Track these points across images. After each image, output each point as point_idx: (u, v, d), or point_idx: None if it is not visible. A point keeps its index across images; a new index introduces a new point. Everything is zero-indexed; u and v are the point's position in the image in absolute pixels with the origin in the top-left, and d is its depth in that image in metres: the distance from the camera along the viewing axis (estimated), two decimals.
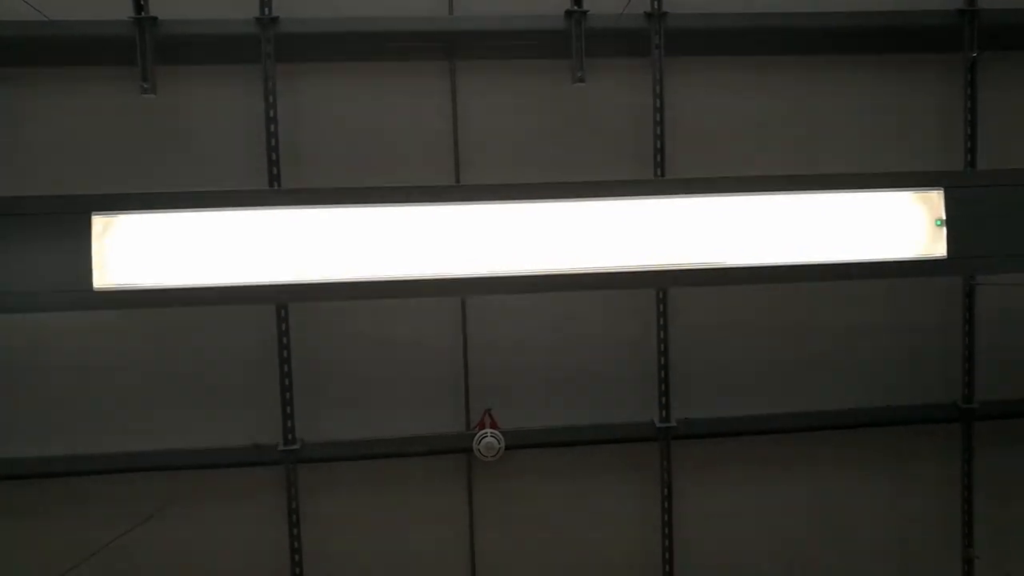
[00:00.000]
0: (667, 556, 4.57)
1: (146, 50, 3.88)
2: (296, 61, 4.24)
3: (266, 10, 4.08)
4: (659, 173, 4.37)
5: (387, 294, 3.23)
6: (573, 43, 4.09)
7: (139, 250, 3.11)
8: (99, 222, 3.07)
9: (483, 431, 4.32)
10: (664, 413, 4.49)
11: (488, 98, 4.42)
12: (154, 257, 3.11)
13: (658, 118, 4.34)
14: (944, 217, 3.20)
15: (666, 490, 4.53)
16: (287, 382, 4.28)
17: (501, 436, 4.30)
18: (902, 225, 3.23)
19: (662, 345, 4.47)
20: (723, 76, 4.51)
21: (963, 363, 4.62)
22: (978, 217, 3.15)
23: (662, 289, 4.43)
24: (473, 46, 4.33)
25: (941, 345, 4.70)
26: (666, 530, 4.56)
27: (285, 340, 4.26)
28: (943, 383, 4.70)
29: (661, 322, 4.46)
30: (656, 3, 4.27)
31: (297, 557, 4.36)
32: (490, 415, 4.39)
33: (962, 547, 4.71)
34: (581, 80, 4.09)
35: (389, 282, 3.14)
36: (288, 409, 4.28)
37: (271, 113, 4.15)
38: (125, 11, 3.86)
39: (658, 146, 4.35)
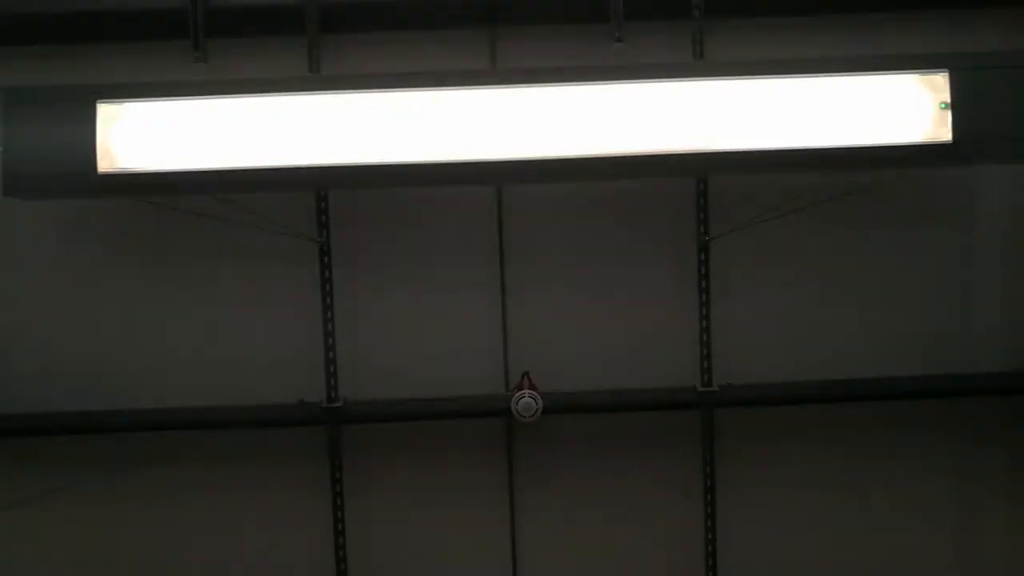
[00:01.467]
0: (709, 523, 4.50)
1: (198, 23, 4.09)
2: (341, 31, 4.40)
3: None
4: None
5: (423, 178, 3.19)
6: (612, 3, 4.12)
7: (147, 137, 3.15)
8: (105, 109, 3.11)
9: (521, 392, 4.34)
10: (706, 378, 4.45)
11: (527, 63, 4.48)
12: (163, 146, 3.14)
13: None
14: (949, 100, 3.08)
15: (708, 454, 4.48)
16: (330, 341, 4.41)
17: (539, 397, 4.32)
18: (908, 109, 3.14)
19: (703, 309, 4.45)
20: (763, 37, 4.46)
21: None
22: (985, 100, 3.02)
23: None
24: (513, 12, 4.40)
25: None
26: (708, 496, 4.49)
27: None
28: None
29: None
30: None
31: (340, 514, 4.47)
32: (528, 378, 4.41)
33: None
34: (619, 40, 4.11)
35: (425, 165, 3.09)
36: (332, 368, 4.41)
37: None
38: None
39: None
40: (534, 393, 4.33)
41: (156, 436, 4.45)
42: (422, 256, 4.50)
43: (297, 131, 3.24)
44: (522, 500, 4.62)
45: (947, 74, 3.20)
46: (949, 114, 3.03)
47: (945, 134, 3.05)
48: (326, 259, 4.39)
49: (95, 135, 3.05)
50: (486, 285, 4.54)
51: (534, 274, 4.53)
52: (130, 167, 3.12)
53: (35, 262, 4.43)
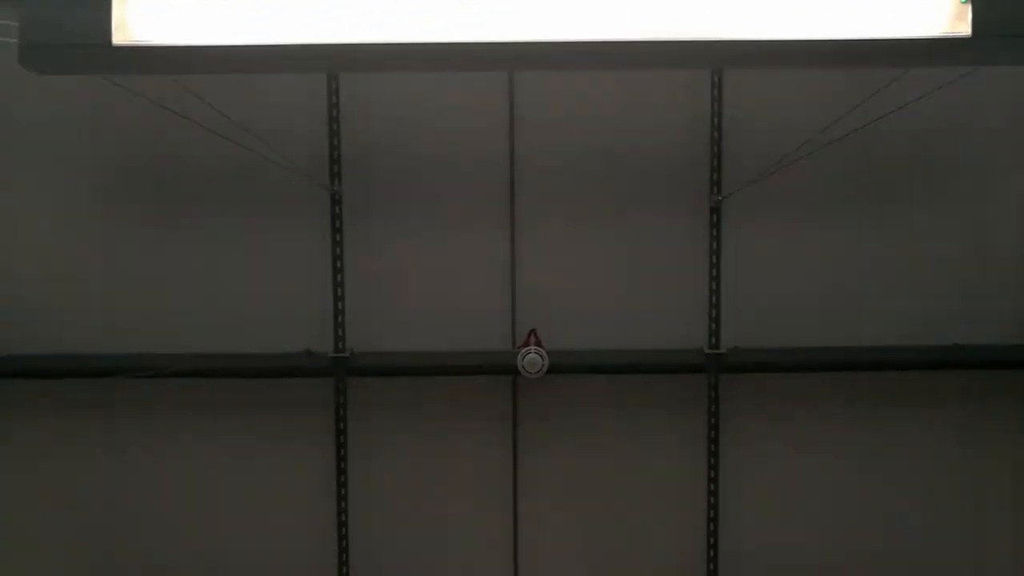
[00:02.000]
0: (712, 486, 4.49)
1: None
2: None
3: None
4: None
5: (431, 61, 3.15)
6: None
7: (163, 12, 3.07)
8: None
9: (527, 348, 4.34)
10: (714, 340, 4.43)
11: None
12: (178, 21, 3.08)
13: None
14: None
15: (713, 419, 4.46)
16: (339, 292, 4.42)
17: (544, 353, 4.31)
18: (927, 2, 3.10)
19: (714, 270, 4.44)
20: None
21: None
22: None
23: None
24: None
25: None
26: (712, 460, 4.48)
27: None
28: None
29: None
30: None
31: (343, 464, 4.48)
32: (535, 335, 4.40)
33: None
34: None
35: (437, 47, 3.05)
36: (340, 318, 4.42)
37: None
38: None
39: None
40: (540, 349, 4.33)
41: (161, 383, 4.47)
42: (433, 208, 4.50)
43: (310, 8, 3.18)
44: (525, 458, 4.61)
45: None
46: (969, 8, 3.01)
47: (964, 29, 3.02)
48: (337, 209, 4.40)
49: (111, 7, 3.04)
50: (496, 243, 4.53)
51: (544, 232, 4.52)
52: (144, 40, 3.10)
53: (42, 209, 4.47)
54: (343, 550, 4.48)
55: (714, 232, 4.42)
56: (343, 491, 4.49)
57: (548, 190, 4.49)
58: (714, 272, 4.42)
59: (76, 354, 4.42)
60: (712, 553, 4.50)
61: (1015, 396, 4.52)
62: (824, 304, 4.49)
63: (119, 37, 3.08)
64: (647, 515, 4.61)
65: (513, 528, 4.61)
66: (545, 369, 4.31)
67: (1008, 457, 4.55)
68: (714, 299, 4.43)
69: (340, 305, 4.42)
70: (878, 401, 4.54)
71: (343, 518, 4.49)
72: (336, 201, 4.40)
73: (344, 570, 4.48)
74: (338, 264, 4.41)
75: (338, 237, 4.41)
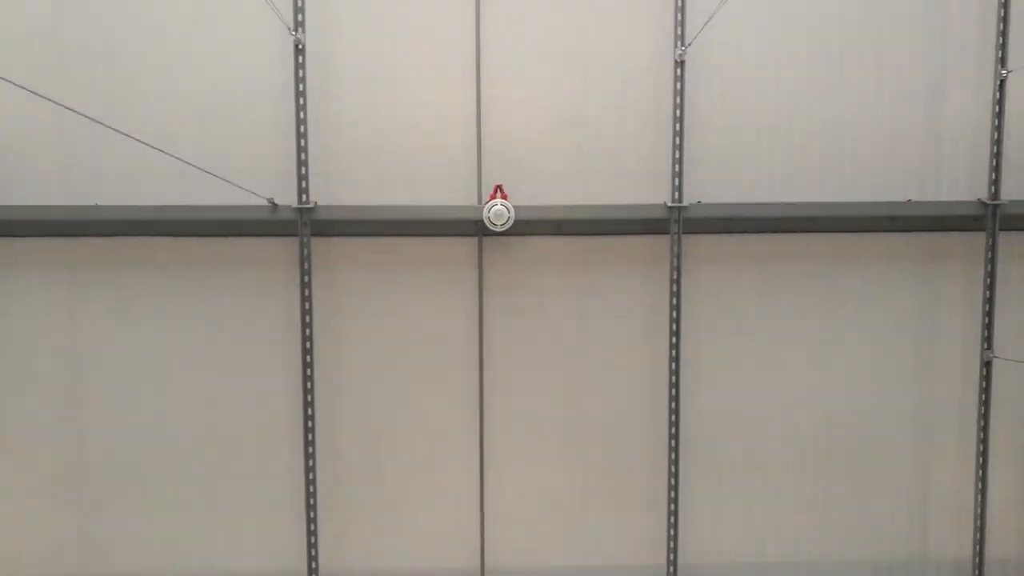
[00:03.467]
0: (674, 340, 4.60)
1: None
2: None
3: None
4: None
5: None
6: None
7: None
8: None
9: (493, 201, 4.35)
10: (677, 195, 4.50)
11: None
12: None
13: None
14: None
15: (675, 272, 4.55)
16: (303, 143, 4.36)
17: (510, 206, 4.33)
18: None
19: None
20: None
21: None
22: None
23: None
24: None
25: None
26: (674, 313, 4.57)
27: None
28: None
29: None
30: None
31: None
32: (500, 190, 4.41)
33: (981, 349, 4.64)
34: None
35: None
36: (303, 170, 4.37)
37: None
38: None
39: None
40: (506, 202, 4.35)
41: (122, 240, 4.41)
42: (397, 47, 4.47)
43: None
44: (491, 318, 4.67)
45: None
46: None
47: None
48: (301, 59, 4.32)
49: None
50: (460, 84, 4.50)
51: (508, 76, 4.51)
52: None
53: None
54: (308, 404, 4.50)
55: (678, 86, 4.46)
56: (308, 344, 4.49)
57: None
58: (677, 127, 4.46)
59: (32, 206, 4.32)
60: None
61: (963, 253, 4.71)
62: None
63: None
64: (609, 367, 4.72)
65: (479, 383, 4.68)
66: (511, 222, 4.33)
67: (959, 303, 4.74)
68: (677, 153, 4.48)
69: (303, 156, 4.37)
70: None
71: (308, 372, 4.49)
72: (300, 51, 4.33)
73: (310, 424, 4.51)
74: (301, 115, 4.35)
75: (301, 88, 4.35)
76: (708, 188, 4.54)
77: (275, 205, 4.34)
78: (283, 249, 4.54)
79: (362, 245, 4.59)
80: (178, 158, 3.87)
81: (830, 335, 4.71)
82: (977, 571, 4.70)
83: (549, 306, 4.67)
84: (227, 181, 4.11)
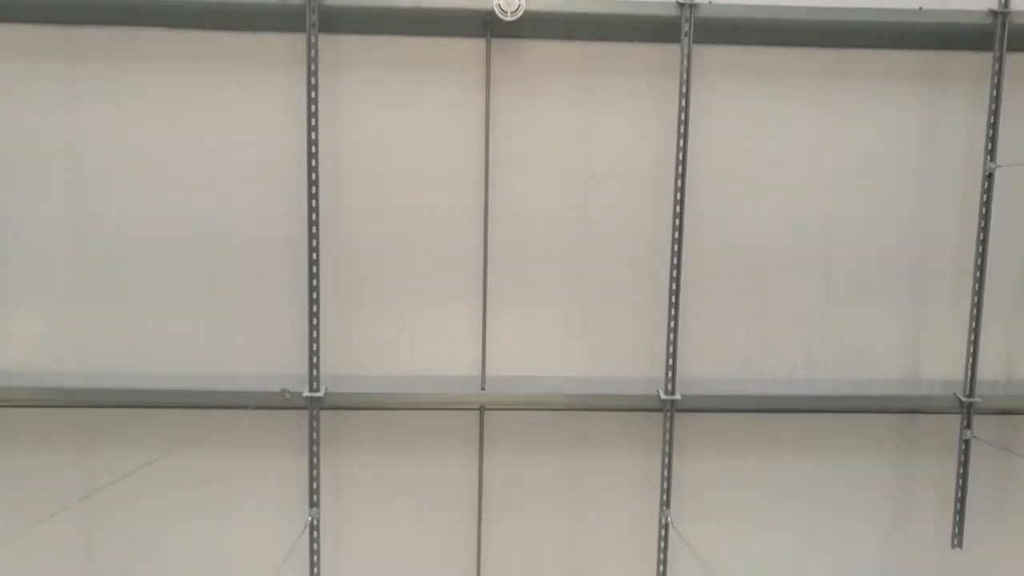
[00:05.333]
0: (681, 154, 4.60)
1: None
2: None
3: None
4: None
5: None
6: None
7: None
8: None
9: None
10: None
11: None
12: None
13: None
14: None
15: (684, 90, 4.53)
16: None
17: None
18: None
19: None
20: None
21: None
22: None
23: None
24: None
25: None
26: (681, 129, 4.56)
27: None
28: None
29: None
30: None
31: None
32: None
33: None
34: None
35: None
36: None
37: None
38: None
39: None
40: None
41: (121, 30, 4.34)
42: None
43: None
44: (497, 113, 4.65)
45: None
46: None
47: None
48: None
49: None
50: None
51: None
52: None
53: None
54: (312, 196, 4.47)
55: None
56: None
57: None
58: None
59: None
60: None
61: (966, 73, 4.74)
62: None
63: None
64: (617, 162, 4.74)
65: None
66: (522, 9, 4.28)
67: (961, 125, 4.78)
68: None
69: None
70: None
71: (313, 163, 4.45)
72: None
73: (314, 217, 4.49)
74: None
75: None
76: None
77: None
78: (289, 44, 4.47)
79: (370, 43, 4.53)
80: None
81: (835, 145, 4.75)
82: (968, 386, 4.80)
83: (557, 108, 4.66)
84: None
